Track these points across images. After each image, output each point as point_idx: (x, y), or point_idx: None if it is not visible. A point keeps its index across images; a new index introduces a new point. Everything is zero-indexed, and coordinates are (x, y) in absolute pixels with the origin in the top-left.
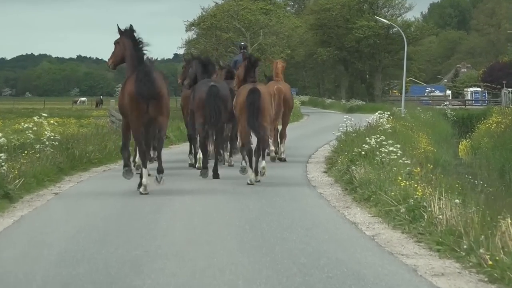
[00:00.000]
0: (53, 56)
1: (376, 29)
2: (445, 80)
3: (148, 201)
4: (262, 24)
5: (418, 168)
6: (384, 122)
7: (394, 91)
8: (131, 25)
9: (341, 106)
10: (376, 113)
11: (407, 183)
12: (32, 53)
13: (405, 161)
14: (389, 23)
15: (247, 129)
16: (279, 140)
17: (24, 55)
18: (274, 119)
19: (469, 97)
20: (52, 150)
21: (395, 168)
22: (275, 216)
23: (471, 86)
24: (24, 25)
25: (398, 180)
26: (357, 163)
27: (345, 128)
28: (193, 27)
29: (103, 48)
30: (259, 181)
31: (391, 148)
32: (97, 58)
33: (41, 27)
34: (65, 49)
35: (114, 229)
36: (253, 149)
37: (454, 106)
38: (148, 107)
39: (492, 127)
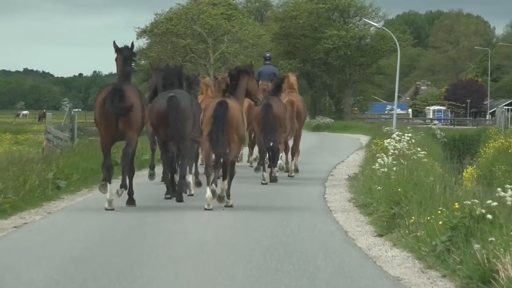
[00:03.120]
0: None
1: (347, 39)
2: (408, 98)
3: None
4: (225, 30)
5: None
6: (405, 147)
7: (354, 109)
8: (132, 42)
9: (306, 124)
10: (394, 134)
11: None
12: None
13: None
14: (380, 27)
15: (209, 147)
16: (290, 156)
17: None
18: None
19: (431, 115)
20: None
21: None
22: None
23: (433, 105)
24: None
25: None
26: (490, 238)
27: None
28: (145, 35)
29: (50, 62)
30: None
31: None
32: (43, 72)
33: None
34: (12, 62)
35: None
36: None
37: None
38: (118, 121)
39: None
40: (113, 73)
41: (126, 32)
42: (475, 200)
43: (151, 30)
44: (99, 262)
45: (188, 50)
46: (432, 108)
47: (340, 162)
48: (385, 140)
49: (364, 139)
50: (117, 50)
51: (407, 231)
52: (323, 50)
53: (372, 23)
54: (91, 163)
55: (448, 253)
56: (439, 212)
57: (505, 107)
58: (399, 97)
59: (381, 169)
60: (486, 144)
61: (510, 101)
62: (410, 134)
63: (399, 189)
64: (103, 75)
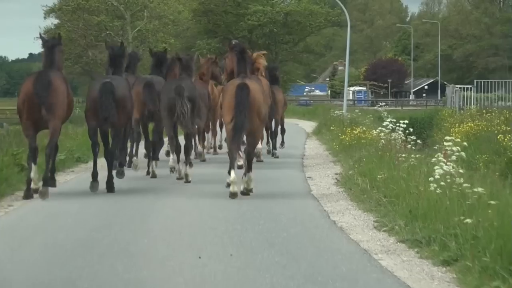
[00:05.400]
0: None
1: (273, 15)
2: (327, 79)
3: None
4: (143, 3)
5: None
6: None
7: None
8: (59, 33)
9: None
10: (386, 121)
11: None
12: None
13: None
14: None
15: (234, 132)
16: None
17: None
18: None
19: (350, 96)
20: None
21: None
22: None
23: (353, 85)
24: None
25: None
26: None
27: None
28: (53, 14)
29: None
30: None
31: None
32: None
33: None
34: None
35: None
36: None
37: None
38: (41, 109)
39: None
40: (20, 58)
41: (33, 17)
42: None
43: (60, 8)
44: None
45: (103, 27)
46: (352, 88)
47: (302, 155)
48: (374, 130)
49: (303, 124)
50: (43, 41)
51: None
52: (247, 27)
53: None
54: None
55: None
56: None
57: (457, 86)
58: (315, 78)
59: (440, 183)
60: (451, 129)
61: (432, 80)
62: (406, 121)
63: None
64: (9, 60)
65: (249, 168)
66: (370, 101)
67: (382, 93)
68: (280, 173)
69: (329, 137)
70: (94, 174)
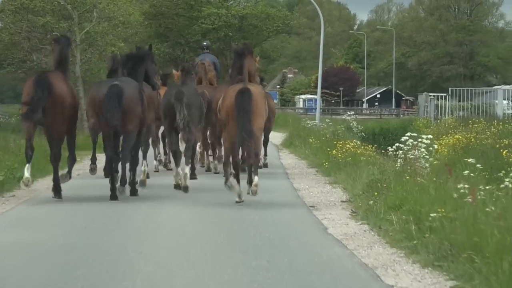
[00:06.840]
0: None
1: (228, 18)
2: (278, 86)
3: None
4: (92, 2)
5: None
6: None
7: None
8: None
9: None
10: (405, 136)
11: None
12: None
13: None
14: None
15: (236, 137)
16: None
17: None
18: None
19: (301, 105)
20: None
21: None
22: None
23: (305, 93)
24: None
25: None
26: None
27: None
28: None
29: None
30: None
31: None
32: None
33: None
34: None
35: None
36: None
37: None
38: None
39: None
40: None
41: None
42: None
43: (2, 10)
44: None
45: (49, 29)
46: (303, 96)
47: (283, 172)
48: (389, 147)
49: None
50: (54, 40)
51: None
52: (201, 31)
53: None
54: None
55: None
56: None
57: (431, 94)
58: (264, 85)
59: None
60: (435, 141)
61: (385, 88)
62: (430, 136)
63: None
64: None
65: (255, 172)
66: (321, 110)
67: (333, 101)
68: (272, 195)
69: (308, 150)
70: (113, 195)
